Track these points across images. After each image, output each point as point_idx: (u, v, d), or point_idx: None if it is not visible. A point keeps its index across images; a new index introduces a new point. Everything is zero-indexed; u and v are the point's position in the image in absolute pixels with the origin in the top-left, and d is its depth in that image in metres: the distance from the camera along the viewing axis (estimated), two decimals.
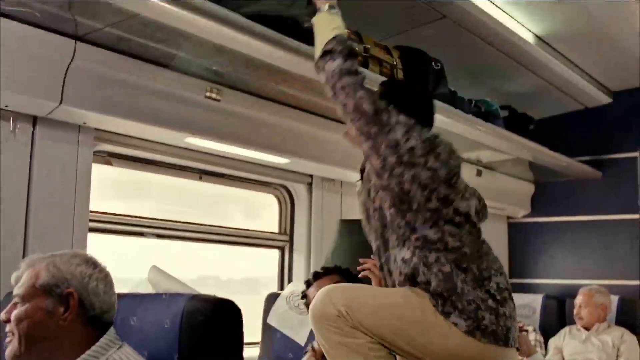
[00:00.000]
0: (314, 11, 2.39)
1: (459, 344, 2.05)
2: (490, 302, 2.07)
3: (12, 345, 1.76)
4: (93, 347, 1.78)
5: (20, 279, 1.80)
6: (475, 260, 2.12)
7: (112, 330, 1.85)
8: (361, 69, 2.29)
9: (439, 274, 2.07)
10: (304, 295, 2.95)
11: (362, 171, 2.38)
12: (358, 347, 2.04)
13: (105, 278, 1.84)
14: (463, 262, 2.10)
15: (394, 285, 2.22)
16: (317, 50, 2.30)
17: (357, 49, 2.31)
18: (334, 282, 2.84)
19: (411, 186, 2.11)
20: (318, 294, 2.14)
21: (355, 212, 4.06)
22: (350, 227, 2.55)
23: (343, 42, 2.26)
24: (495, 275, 2.14)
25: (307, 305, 2.92)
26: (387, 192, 2.16)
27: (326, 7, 2.34)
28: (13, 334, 1.76)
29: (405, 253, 2.14)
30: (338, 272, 2.90)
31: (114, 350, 1.80)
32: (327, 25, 2.31)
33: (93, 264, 1.84)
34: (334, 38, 2.26)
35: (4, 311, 1.79)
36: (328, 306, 2.07)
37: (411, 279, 2.12)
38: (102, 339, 1.80)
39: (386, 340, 2.06)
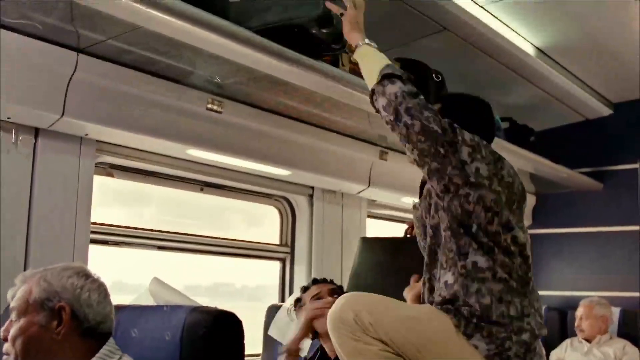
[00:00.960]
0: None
1: None
2: (525, 336, 2.02)
3: None
4: (92, 359, 1.78)
5: (16, 295, 1.81)
6: (519, 295, 2.06)
7: (111, 340, 1.84)
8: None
9: (477, 304, 2.01)
10: (299, 299, 2.96)
11: (422, 185, 2.33)
12: (372, 354, 2.00)
13: (99, 288, 1.84)
14: (507, 295, 2.04)
15: (431, 304, 2.17)
16: (372, 77, 2.22)
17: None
18: (332, 293, 2.88)
19: (475, 207, 2.07)
20: (338, 300, 2.10)
21: (356, 224, 4.09)
22: (371, 245, 2.50)
23: (398, 70, 2.22)
24: (535, 315, 2.09)
25: (300, 309, 2.93)
26: (447, 213, 2.10)
27: (364, 40, 2.33)
28: (11, 352, 1.76)
29: (450, 277, 2.07)
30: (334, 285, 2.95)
31: None
32: (374, 55, 2.29)
33: (85, 275, 1.84)
34: (388, 65, 2.21)
35: (3, 329, 1.80)
36: (346, 311, 2.03)
37: (449, 302, 2.06)
38: (101, 350, 1.80)
39: (405, 353, 2.01)
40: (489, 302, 2.01)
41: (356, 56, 2.34)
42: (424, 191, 2.27)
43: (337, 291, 2.93)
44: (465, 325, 2.00)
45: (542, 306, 2.17)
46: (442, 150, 2.06)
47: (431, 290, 2.19)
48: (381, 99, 2.15)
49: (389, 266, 2.32)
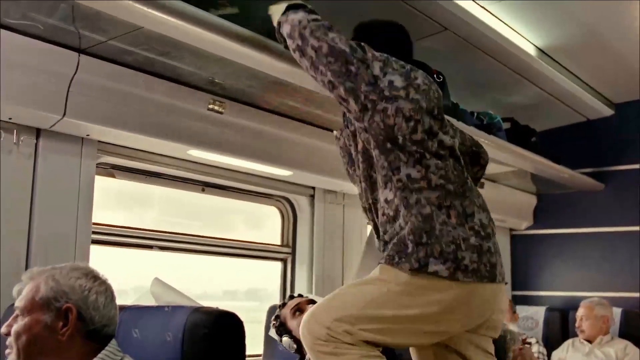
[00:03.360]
0: None
1: (446, 292, 2.01)
2: (472, 239, 2.04)
3: (11, 359, 1.76)
4: None
5: (22, 292, 1.81)
6: (459, 197, 2.09)
7: (113, 342, 1.84)
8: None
9: (418, 215, 2.03)
10: (277, 316, 2.95)
11: (344, 115, 2.36)
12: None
13: (106, 291, 1.83)
14: (447, 200, 2.06)
15: (379, 227, 2.20)
16: (277, 13, 2.24)
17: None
18: (309, 303, 2.86)
19: (395, 119, 2.07)
20: (303, 321, 2.12)
21: (357, 224, 4.09)
22: None
23: (302, 2, 2.23)
24: (479, 211, 2.12)
25: (279, 326, 2.90)
26: (371, 132, 2.12)
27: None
28: (13, 348, 1.76)
29: (388, 194, 2.11)
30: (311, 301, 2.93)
31: None
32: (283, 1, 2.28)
33: (93, 277, 1.84)
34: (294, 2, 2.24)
35: (6, 324, 1.80)
36: (315, 328, 2.05)
37: (392, 221, 2.10)
38: (103, 352, 1.79)
39: (388, 335, 2.03)
40: (430, 211, 2.04)
41: (271, 10, 2.31)
42: (345, 120, 2.32)
43: (314, 302, 2.94)
44: (416, 258, 2.00)
45: (484, 202, 2.20)
46: (352, 69, 2.08)
47: (376, 215, 2.23)
48: (285, 26, 2.17)
49: None
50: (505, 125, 4.21)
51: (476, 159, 2.53)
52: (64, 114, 2.49)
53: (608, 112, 5.03)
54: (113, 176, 3.09)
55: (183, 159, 3.18)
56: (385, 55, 2.17)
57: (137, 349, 1.95)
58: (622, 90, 4.81)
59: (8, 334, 1.77)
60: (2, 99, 2.32)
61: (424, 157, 2.08)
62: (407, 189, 2.07)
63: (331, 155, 3.60)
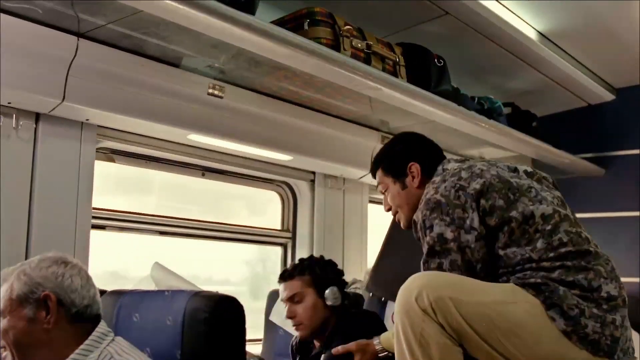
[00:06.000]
0: None
1: (556, 345, 1.88)
2: (595, 310, 1.90)
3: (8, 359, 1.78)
4: (86, 342, 1.79)
5: None
6: (581, 271, 1.96)
7: (102, 323, 1.85)
8: None
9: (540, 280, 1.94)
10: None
11: None
12: (430, 339, 1.86)
13: (80, 273, 1.84)
14: (569, 277, 1.94)
15: None
16: None
17: None
18: (305, 283, 2.68)
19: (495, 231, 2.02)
20: (414, 278, 1.95)
21: (358, 209, 4.09)
22: None
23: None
24: (606, 282, 1.97)
25: None
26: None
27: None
28: (6, 349, 1.77)
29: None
30: (311, 272, 2.71)
31: (106, 342, 1.81)
32: None
33: (63, 262, 1.84)
34: None
35: None
36: (423, 294, 1.87)
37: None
38: (93, 333, 1.81)
39: (487, 339, 1.89)
40: (552, 289, 1.92)
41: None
42: None
43: None
44: (545, 297, 1.91)
45: (613, 268, 2.05)
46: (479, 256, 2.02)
47: None
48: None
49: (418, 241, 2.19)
50: (506, 110, 4.19)
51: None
52: (63, 99, 2.49)
53: (609, 97, 5.01)
54: (113, 161, 3.09)
55: (183, 144, 3.18)
56: (430, 209, 2.08)
57: (138, 333, 1.96)
58: (623, 75, 4.78)
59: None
60: (1, 84, 2.32)
61: (530, 241, 2.00)
62: (522, 271, 1.98)
63: (332, 140, 3.61)
